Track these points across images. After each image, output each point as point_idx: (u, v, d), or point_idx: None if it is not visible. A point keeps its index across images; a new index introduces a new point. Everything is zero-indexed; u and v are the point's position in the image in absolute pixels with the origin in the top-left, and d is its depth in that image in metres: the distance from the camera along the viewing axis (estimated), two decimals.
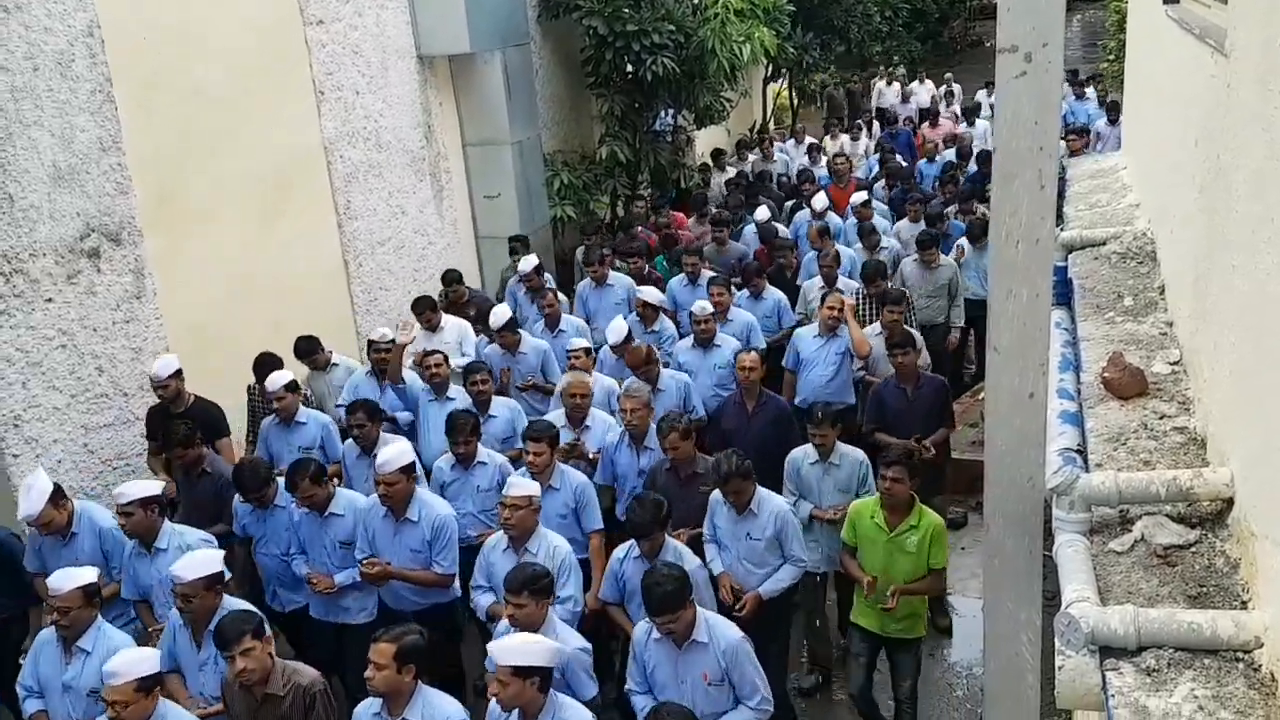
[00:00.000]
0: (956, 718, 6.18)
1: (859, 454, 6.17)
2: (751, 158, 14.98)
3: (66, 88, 6.68)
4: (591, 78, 12.39)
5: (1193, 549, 2.59)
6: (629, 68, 11.78)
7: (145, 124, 7.25)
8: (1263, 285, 2.30)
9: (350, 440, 6.68)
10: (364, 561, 5.55)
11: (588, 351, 7.54)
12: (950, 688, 6.40)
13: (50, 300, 6.60)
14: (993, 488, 2.61)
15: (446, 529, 5.61)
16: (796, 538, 5.57)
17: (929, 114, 17.83)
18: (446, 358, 7.30)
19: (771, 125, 18.79)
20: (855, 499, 5.87)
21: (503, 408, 7.13)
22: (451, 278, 9.25)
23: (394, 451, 5.58)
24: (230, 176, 8.00)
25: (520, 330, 8.07)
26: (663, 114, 13.35)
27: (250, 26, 8.20)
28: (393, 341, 7.40)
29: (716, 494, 5.60)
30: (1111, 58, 16.88)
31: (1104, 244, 4.66)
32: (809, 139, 15.69)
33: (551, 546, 5.29)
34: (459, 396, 7.15)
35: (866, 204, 10.38)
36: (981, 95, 18.34)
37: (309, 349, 7.68)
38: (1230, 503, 2.59)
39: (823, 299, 7.91)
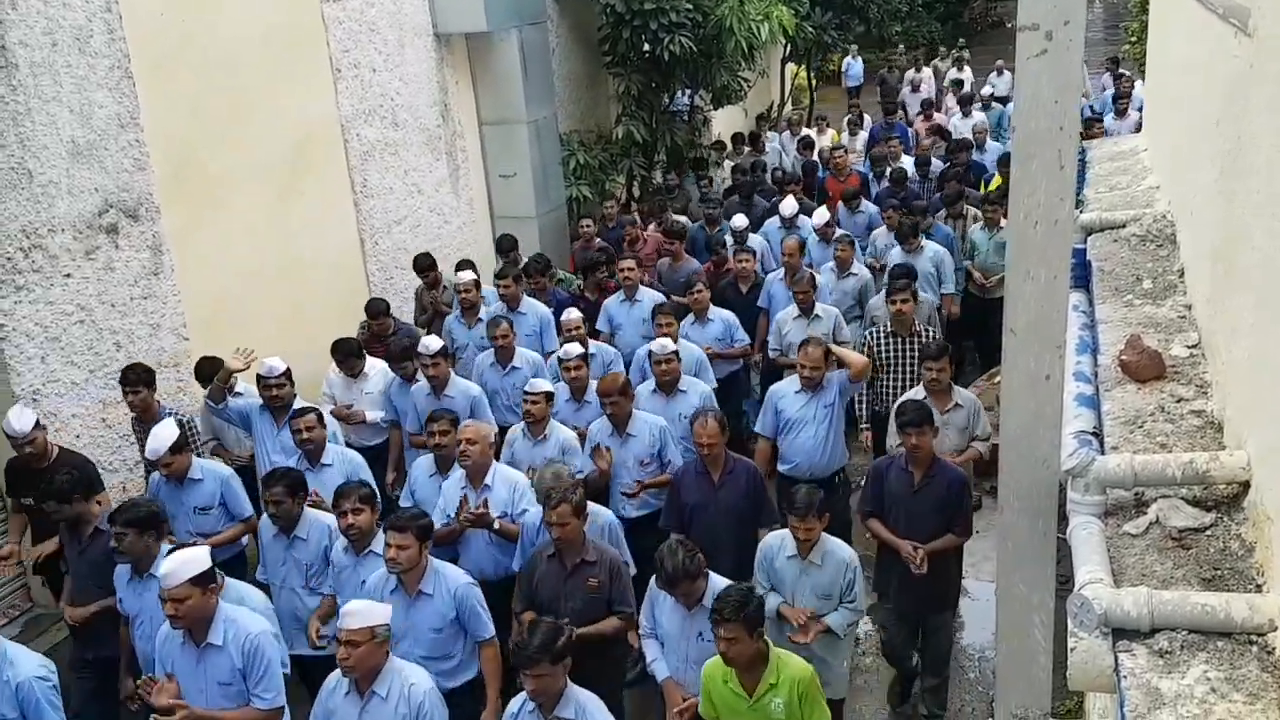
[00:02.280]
0: (968, 700, 6.19)
1: (845, 553, 5.09)
2: (746, 149, 14.13)
3: (85, 63, 6.69)
4: (608, 56, 12.35)
5: (1208, 532, 2.58)
6: (646, 46, 11.74)
7: (163, 100, 7.26)
8: None
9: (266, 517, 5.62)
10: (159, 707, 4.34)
11: (549, 397, 6.40)
12: (962, 670, 6.40)
13: (69, 276, 6.64)
14: (1008, 470, 2.61)
15: (262, 652, 4.41)
16: None
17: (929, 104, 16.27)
18: (321, 417, 6.23)
19: (789, 107, 18.69)
20: (839, 606, 5.04)
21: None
22: (378, 308, 8.06)
23: (179, 560, 4.32)
24: (247, 154, 8.02)
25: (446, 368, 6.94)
26: (680, 94, 13.29)
27: (268, 3, 8.20)
28: (286, 375, 6.52)
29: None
30: (1134, 39, 16.71)
31: (1123, 226, 4.63)
32: (804, 130, 14.69)
33: (406, 686, 4.23)
34: (337, 462, 6.11)
35: (829, 224, 9.48)
36: (993, 79, 17.38)
37: (211, 371, 6.67)
38: (1246, 486, 2.58)
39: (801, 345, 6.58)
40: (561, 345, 7.30)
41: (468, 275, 8.14)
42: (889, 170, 11.45)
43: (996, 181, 10.98)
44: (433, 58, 10.09)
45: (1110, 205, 4.95)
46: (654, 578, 4.74)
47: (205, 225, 7.68)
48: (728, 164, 13.79)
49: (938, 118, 15.30)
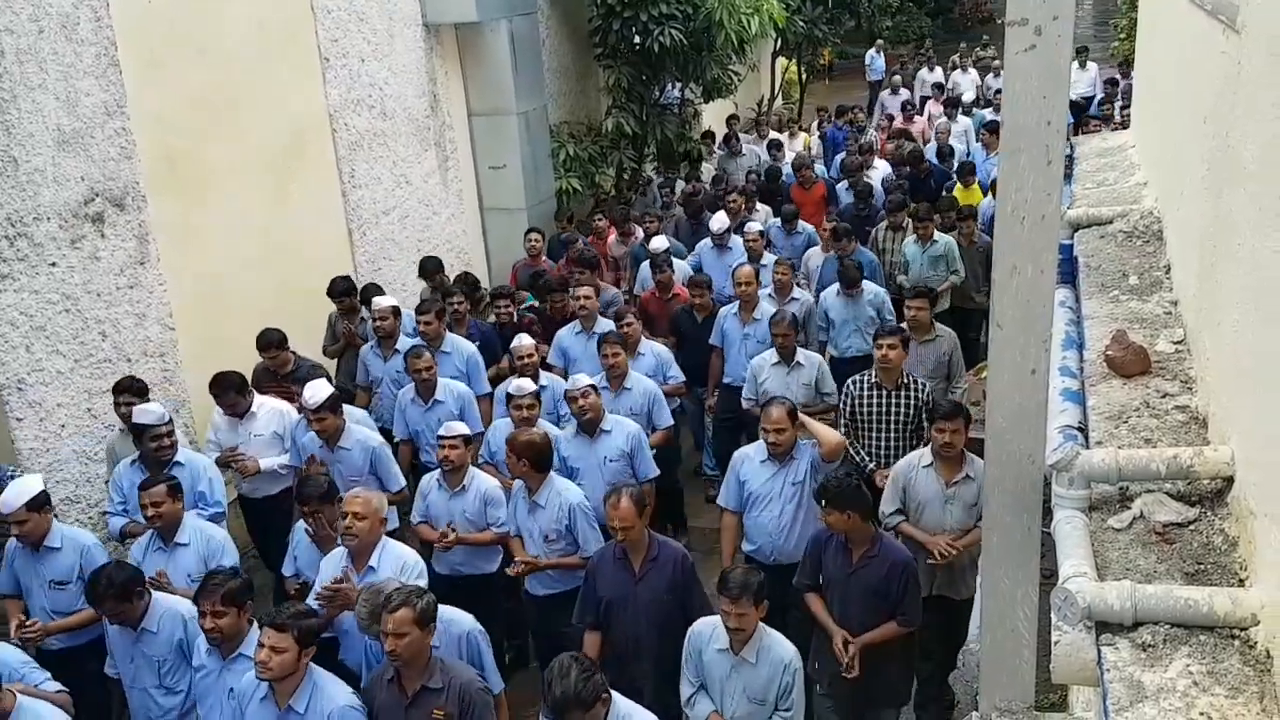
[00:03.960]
0: (954, 692, 6.21)
1: (785, 651, 4.46)
2: (719, 153, 13.69)
3: (71, 51, 6.65)
4: (599, 48, 12.33)
5: (1191, 526, 2.59)
6: (636, 39, 11.71)
7: (150, 89, 7.22)
8: (1268, 265, 2.29)
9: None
10: None
11: (468, 441, 5.86)
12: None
13: (54, 264, 6.60)
14: (993, 464, 2.63)
15: None
16: None
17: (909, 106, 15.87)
18: (175, 489, 5.35)
19: (779, 101, 18.67)
20: (773, 714, 4.43)
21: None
22: (270, 339, 6.94)
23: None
24: (234, 143, 7.98)
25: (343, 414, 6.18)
26: (670, 86, 13.28)
27: None
28: (171, 422, 5.90)
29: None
30: (1123, 36, 16.77)
31: (1110, 222, 4.64)
32: (773, 133, 14.33)
33: None
34: (194, 542, 5.33)
35: (761, 234, 8.97)
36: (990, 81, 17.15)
37: (136, 386, 6.24)
38: (1230, 481, 2.59)
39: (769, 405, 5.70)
40: (514, 376, 6.71)
41: (384, 301, 7.50)
42: (859, 183, 11.04)
43: (972, 194, 10.73)
44: (422, 48, 10.05)
45: (1098, 201, 4.95)
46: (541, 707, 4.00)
47: (191, 214, 7.63)
48: (707, 167, 13.42)
49: (919, 121, 15.11)
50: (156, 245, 7.28)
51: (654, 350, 7.37)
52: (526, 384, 6.33)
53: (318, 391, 6.03)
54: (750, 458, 5.73)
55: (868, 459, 6.44)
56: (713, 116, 15.86)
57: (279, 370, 7.03)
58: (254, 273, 8.06)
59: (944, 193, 10.85)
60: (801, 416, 5.63)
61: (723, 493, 5.85)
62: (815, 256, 9.37)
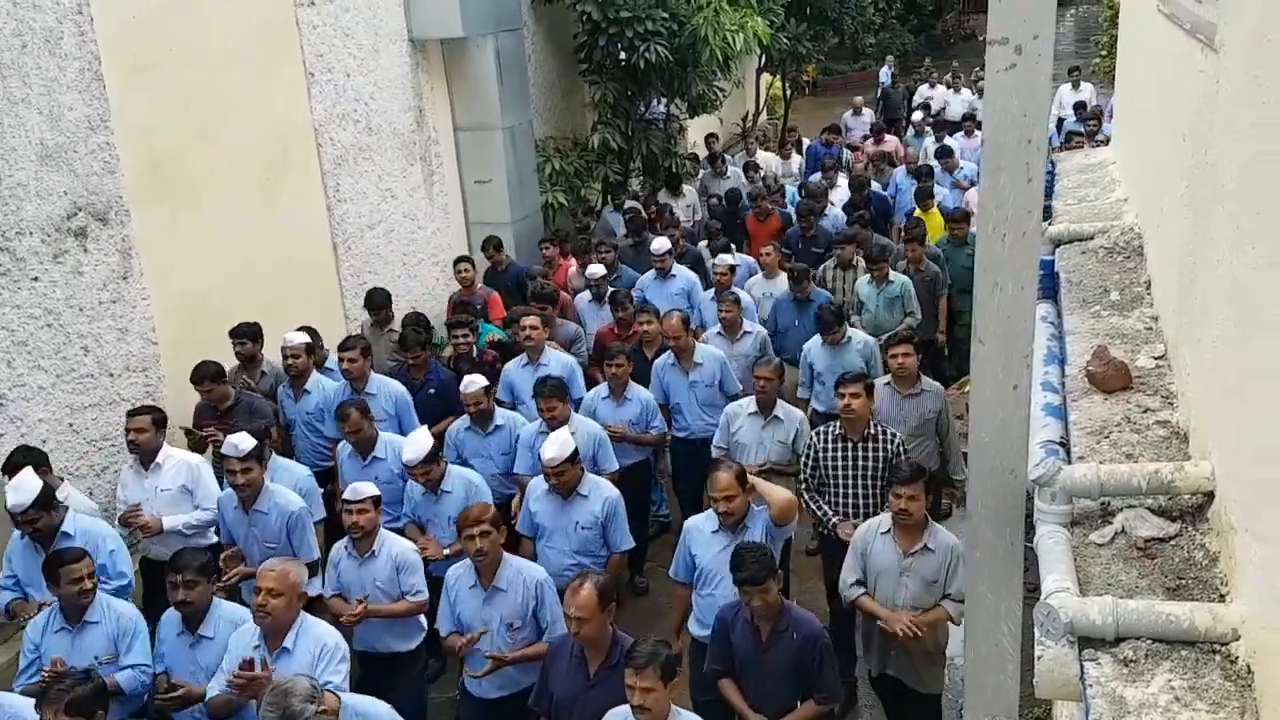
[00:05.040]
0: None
1: None
2: (704, 171, 13.43)
3: (55, 65, 6.63)
4: (584, 64, 12.37)
5: (1172, 542, 2.60)
6: (622, 55, 11.75)
7: (134, 103, 7.20)
8: (1246, 281, 2.31)
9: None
10: None
11: (378, 502, 5.32)
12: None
13: (37, 279, 6.56)
14: (975, 479, 2.64)
15: None
16: None
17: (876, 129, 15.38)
18: (92, 568, 4.77)
19: (764, 117, 18.75)
20: None
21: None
22: (205, 372, 6.49)
23: None
24: (219, 157, 7.96)
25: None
26: (655, 102, 13.32)
27: (241, 7, 8.15)
28: (40, 501, 5.10)
29: None
30: (1104, 54, 16.92)
31: (1091, 238, 4.67)
32: (760, 153, 13.94)
33: None
34: (104, 620, 4.75)
35: (732, 269, 8.47)
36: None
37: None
38: (1211, 496, 2.61)
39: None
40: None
41: (296, 338, 7.02)
42: (801, 207, 10.62)
43: (932, 219, 10.48)
44: (408, 63, 10.06)
45: (1079, 217, 4.99)
46: None
47: (175, 229, 7.61)
48: (688, 189, 13.00)
49: (890, 140, 14.98)
50: (140, 260, 7.25)
51: (640, 397, 6.93)
52: (423, 441, 5.84)
53: (241, 443, 5.54)
54: (700, 529, 5.30)
55: (830, 513, 5.94)
56: (698, 132, 15.92)
57: (218, 405, 6.61)
58: (237, 287, 8.03)
59: (887, 220, 10.63)
60: (751, 478, 5.20)
61: (674, 564, 5.46)
62: (757, 285, 8.92)
